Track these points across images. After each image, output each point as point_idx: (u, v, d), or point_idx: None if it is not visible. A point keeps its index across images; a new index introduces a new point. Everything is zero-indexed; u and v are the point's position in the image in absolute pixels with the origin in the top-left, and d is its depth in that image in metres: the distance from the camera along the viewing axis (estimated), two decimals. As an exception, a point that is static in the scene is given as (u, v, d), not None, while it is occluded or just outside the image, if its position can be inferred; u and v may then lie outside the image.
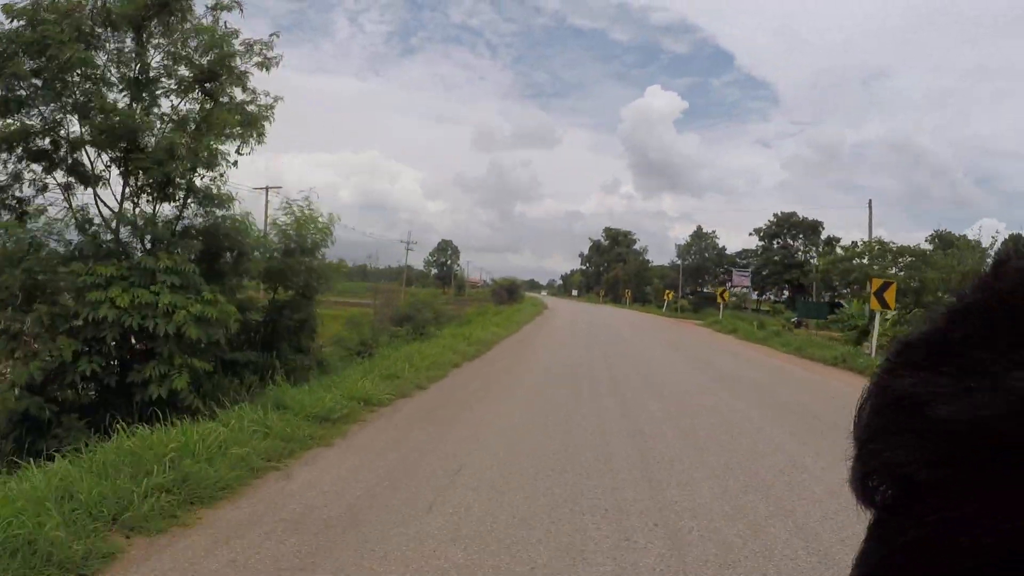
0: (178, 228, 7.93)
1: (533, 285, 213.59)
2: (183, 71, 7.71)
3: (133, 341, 7.29)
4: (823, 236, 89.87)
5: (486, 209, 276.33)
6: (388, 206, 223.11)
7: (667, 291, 51.16)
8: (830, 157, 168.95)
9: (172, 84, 7.75)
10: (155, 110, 7.64)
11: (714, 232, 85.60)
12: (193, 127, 7.64)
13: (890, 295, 16.52)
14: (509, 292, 58.75)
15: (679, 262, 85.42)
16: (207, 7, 7.67)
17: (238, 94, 8.06)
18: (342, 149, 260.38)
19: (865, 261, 23.45)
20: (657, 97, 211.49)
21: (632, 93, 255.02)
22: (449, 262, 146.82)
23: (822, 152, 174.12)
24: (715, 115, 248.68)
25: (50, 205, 7.48)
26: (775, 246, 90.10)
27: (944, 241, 33.01)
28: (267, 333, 9.31)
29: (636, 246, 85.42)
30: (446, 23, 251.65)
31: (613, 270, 78.68)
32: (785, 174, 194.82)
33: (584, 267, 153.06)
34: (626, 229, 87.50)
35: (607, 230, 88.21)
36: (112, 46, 7.41)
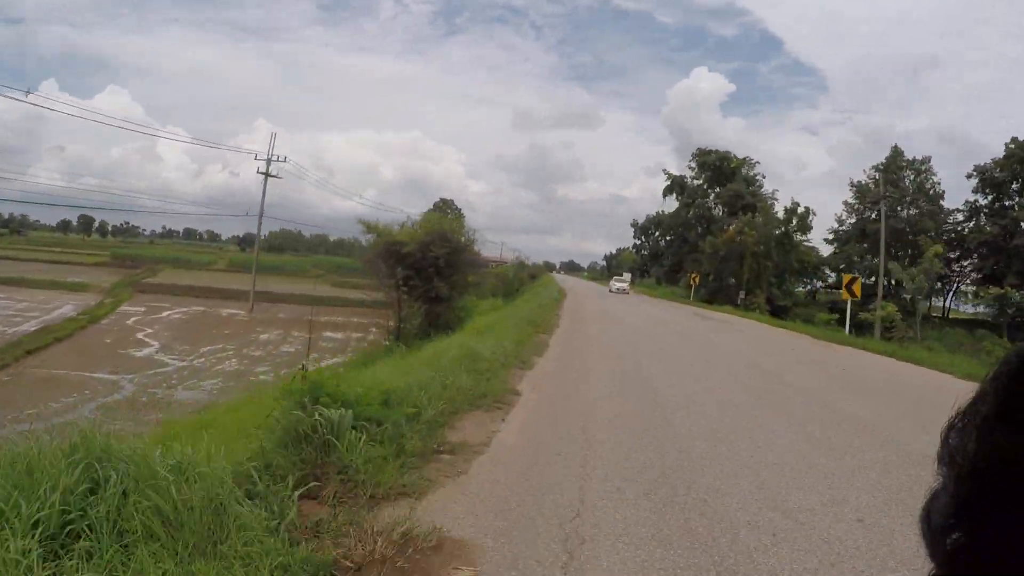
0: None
1: (572, 267, 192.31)
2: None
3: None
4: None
5: (527, 191, 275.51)
6: (431, 186, 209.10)
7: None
8: (878, 146, 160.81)
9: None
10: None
11: (926, 161, 41.74)
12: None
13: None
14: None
15: (842, 221, 41.84)
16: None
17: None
18: (384, 128, 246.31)
19: None
20: (703, 79, 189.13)
21: (677, 77, 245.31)
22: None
23: (870, 141, 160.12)
24: (761, 100, 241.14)
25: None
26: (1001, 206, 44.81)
27: None
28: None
29: (765, 187, 41.81)
30: (491, 3, 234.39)
31: (724, 232, 35.81)
32: (832, 162, 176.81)
33: (639, 241, 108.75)
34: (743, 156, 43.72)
35: (700, 154, 44.89)
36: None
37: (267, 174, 35.95)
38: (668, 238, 56.22)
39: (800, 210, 36.13)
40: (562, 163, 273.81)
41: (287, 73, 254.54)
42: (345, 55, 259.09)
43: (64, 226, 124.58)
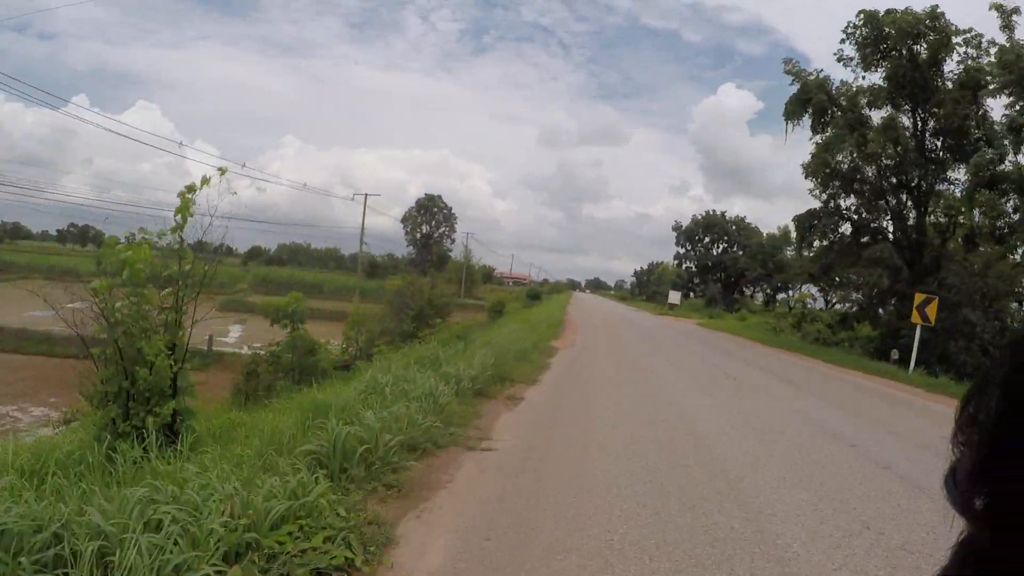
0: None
1: (598, 284, 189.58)
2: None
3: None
4: None
5: (553, 209, 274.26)
6: (457, 204, 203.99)
7: None
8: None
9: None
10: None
11: None
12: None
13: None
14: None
15: None
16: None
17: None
18: (412, 146, 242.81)
19: None
20: (730, 96, 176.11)
21: (704, 95, 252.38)
22: (436, 233, 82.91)
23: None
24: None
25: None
26: None
27: None
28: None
29: None
30: (519, 22, 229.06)
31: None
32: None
33: (683, 249, 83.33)
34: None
35: (866, 18, 20.03)
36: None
37: None
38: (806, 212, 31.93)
39: None
40: (588, 181, 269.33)
41: (317, 90, 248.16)
42: (374, 73, 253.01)
43: (62, 236, 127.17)
